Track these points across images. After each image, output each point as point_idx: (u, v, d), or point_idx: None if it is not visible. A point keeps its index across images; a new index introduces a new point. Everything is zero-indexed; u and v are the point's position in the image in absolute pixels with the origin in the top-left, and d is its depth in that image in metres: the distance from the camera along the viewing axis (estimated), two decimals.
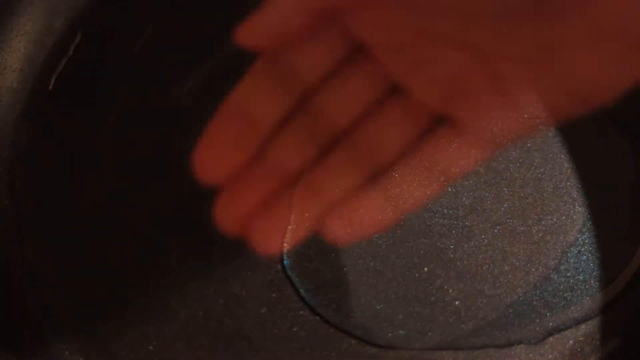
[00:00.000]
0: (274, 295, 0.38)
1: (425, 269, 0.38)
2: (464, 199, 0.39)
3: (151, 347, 0.38)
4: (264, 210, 0.25)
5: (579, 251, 0.38)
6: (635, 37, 0.21)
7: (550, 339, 0.37)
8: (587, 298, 0.38)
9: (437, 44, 0.22)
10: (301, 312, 0.38)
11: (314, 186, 0.25)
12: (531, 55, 0.22)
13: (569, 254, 0.38)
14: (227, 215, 0.25)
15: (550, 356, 0.37)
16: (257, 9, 0.22)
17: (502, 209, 0.39)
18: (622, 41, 0.21)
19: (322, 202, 0.25)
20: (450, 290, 0.38)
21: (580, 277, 0.38)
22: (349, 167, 0.25)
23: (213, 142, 0.24)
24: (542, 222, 0.38)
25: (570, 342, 0.37)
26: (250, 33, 0.22)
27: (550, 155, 0.39)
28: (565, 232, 0.38)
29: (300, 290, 0.38)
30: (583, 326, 0.37)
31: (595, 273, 0.38)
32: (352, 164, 0.25)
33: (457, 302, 0.38)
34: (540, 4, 0.21)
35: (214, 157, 0.24)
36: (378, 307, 0.38)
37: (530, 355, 0.37)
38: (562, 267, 0.38)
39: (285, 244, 0.25)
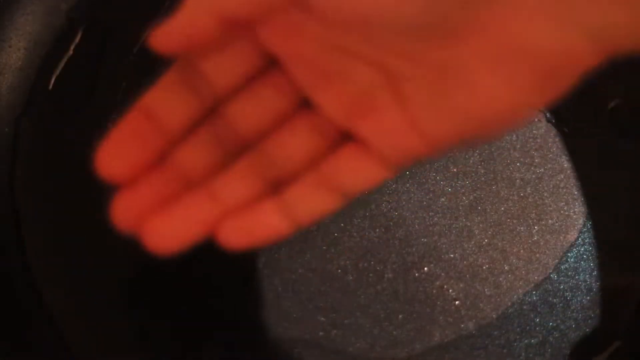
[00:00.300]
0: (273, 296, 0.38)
1: (425, 269, 0.38)
2: (464, 198, 0.39)
3: (152, 348, 0.38)
4: (161, 210, 0.25)
5: (579, 251, 0.38)
6: (543, 62, 0.21)
7: (550, 338, 0.37)
8: (587, 298, 0.38)
9: (346, 58, 0.23)
10: (301, 312, 0.38)
11: (212, 191, 0.25)
12: (434, 76, 0.22)
13: (569, 254, 0.38)
14: (123, 212, 0.25)
15: (550, 356, 0.37)
16: (170, 16, 0.23)
17: (502, 209, 0.39)
18: (528, 66, 0.21)
19: (219, 207, 0.25)
20: (450, 290, 0.38)
21: (580, 277, 0.38)
22: (250, 176, 0.25)
23: (118, 139, 0.25)
24: (542, 222, 0.38)
25: (571, 342, 0.37)
26: (162, 38, 0.23)
27: (550, 155, 0.39)
28: (565, 232, 0.38)
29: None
30: (583, 326, 0.37)
31: (595, 273, 0.38)
32: (253, 173, 0.25)
33: (457, 302, 0.38)
34: (440, 23, 0.21)
35: (117, 154, 0.25)
36: (378, 307, 0.38)
37: (530, 355, 0.37)
38: (562, 267, 0.38)
39: (177, 245, 0.25)
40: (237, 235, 0.25)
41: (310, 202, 0.25)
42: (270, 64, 0.24)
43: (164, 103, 0.25)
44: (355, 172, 0.25)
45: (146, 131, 0.25)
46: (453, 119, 0.23)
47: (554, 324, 0.38)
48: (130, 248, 0.39)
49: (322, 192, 0.25)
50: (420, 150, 0.24)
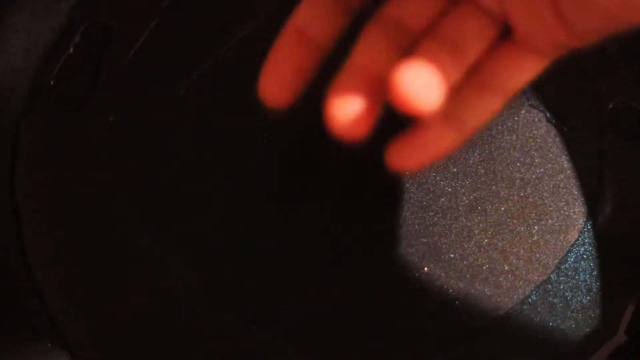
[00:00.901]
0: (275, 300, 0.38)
1: (425, 269, 0.38)
2: (464, 198, 0.39)
3: (152, 348, 0.38)
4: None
5: (579, 251, 0.38)
6: None
7: (550, 338, 0.37)
8: (587, 298, 0.38)
9: None
10: (300, 313, 0.38)
11: None
12: None
13: (569, 254, 0.38)
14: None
15: (550, 356, 0.37)
16: None
17: (502, 209, 0.39)
18: None
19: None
20: (450, 290, 0.38)
21: (580, 277, 0.38)
22: None
23: (276, 65, 0.25)
24: (542, 222, 0.38)
25: (571, 342, 0.37)
26: None
27: (550, 155, 0.39)
28: (565, 232, 0.38)
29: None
30: (583, 326, 0.37)
31: (595, 273, 0.38)
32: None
33: (457, 302, 0.38)
34: None
35: (278, 81, 0.25)
36: (378, 307, 0.38)
37: (530, 355, 0.37)
38: (562, 267, 0.38)
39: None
40: (409, 155, 0.25)
41: (475, 106, 0.25)
42: None
43: (312, 21, 0.25)
44: (512, 68, 0.24)
45: (300, 52, 0.25)
46: (598, 13, 0.22)
47: (554, 324, 0.38)
48: (129, 247, 0.39)
49: (484, 93, 0.25)
50: (569, 45, 0.24)
